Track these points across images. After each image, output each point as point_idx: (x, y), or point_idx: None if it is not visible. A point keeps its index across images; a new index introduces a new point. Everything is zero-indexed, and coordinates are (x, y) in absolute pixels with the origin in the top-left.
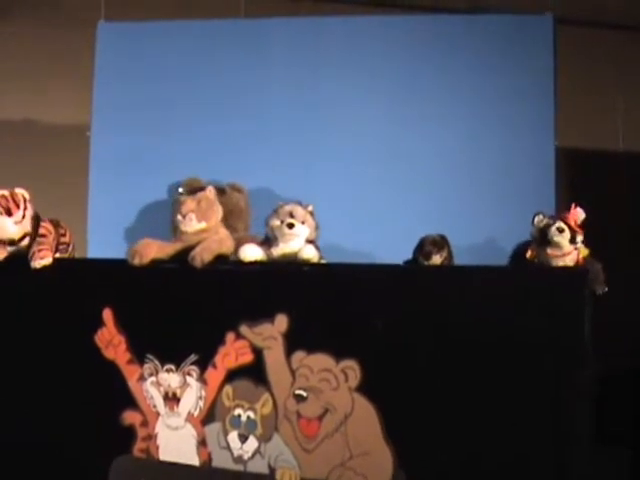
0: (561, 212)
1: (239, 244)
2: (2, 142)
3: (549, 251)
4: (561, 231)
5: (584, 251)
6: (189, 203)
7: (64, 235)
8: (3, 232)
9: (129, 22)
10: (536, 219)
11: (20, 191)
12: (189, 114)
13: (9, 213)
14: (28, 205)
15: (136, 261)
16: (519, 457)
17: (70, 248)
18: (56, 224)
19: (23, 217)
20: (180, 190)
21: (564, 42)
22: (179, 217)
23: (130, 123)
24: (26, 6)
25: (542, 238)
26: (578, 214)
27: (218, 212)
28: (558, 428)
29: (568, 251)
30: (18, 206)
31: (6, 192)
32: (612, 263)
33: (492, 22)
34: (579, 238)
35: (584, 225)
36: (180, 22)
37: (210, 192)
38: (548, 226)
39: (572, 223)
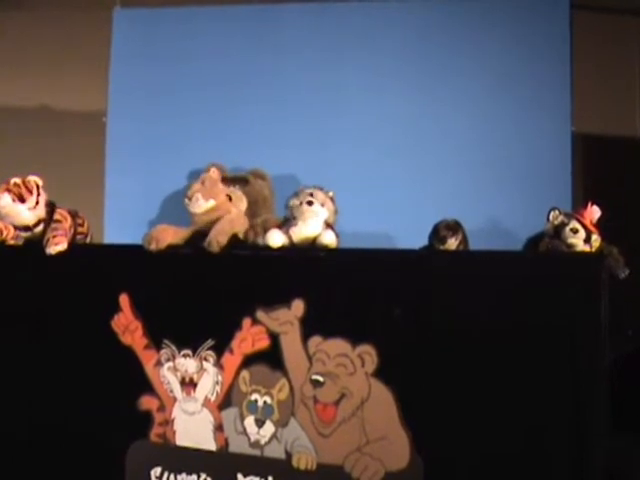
0: (577, 209)
1: (264, 226)
2: (18, 128)
3: (563, 248)
4: (575, 232)
5: (597, 244)
6: (194, 186)
7: (82, 225)
8: (17, 218)
9: (144, 8)
10: (551, 215)
11: (33, 178)
12: (205, 99)
13: (22, 200)
14: (41, 191)
15: (152, 247)
16: (536, 443)
17: (88, 239)
18: (74, 214)
19: (37, 203)
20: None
21: (581, 26)
22: (186, 201)
23: (146, 109)
24: None
25: (556, 235)
26: (594, 213)
27: (223, 190)
28: (575, 414)
29: (581, 249)
30: (31, 192)
31: (18, 179)
32: (630, 249)
33: (508, 6)
34: (594, 237)
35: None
36: (195, 8)
37: (213, 172)
38: (563, 225)
39: (587, 222)
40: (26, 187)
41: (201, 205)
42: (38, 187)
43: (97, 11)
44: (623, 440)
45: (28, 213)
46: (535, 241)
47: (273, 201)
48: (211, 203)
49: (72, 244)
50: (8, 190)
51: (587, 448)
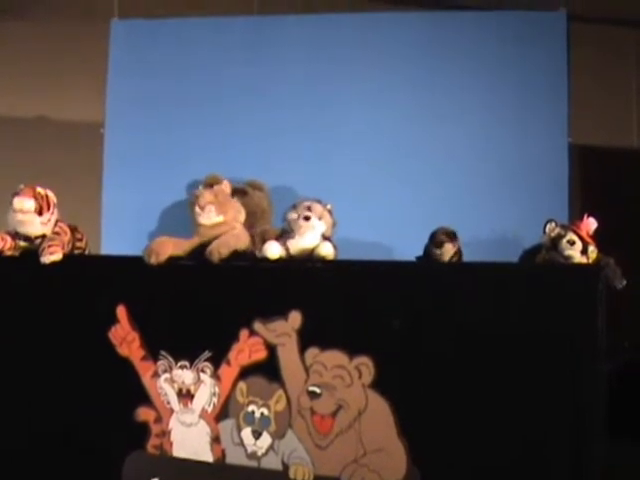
0: (574, 220)
1: (263, 237)
2: (16, 139)
3: (560, 260)
4: (572, 244)
5: (594, 255)
6: (207, 195)
7: (80, 240)
8: (27, 228)
9: (142, 20)
10: (547, 227)
11: (51, 194)
12: (203, 111)
13: (40, 212)
14: (55, 211)
15: (152, 260)
16: (533, 454)
17: (86, 254)
18: (74, 229)
19: (49, 220)
20: (200, 188)
21: (578, 38)
22: (197, 209)
23: (144, 120)
24: (40, 3)
25: (553, 248)
26: (590, 224)
27: (234, 206)
28: (573, 424)
29: (579, 261)
30: (49, 208)
31: (42, 191)
32: (626, 260)
33: (505, 18)
34: (591, 249)
35: (598, 224)
36: (193, 19)
37: (226, 186)
38: (559, 237)
39: (584, 234)
40: (48, 202)
41: (212, 218)
42: (55, 206)
43: (95, 22)
44: (620, 450)
45: (39, 227)
46: (532, 253)
47: (271, 212)
48: (221, 218)
49: (70, 255)
50: (35, 197)
51: (585, 457)
